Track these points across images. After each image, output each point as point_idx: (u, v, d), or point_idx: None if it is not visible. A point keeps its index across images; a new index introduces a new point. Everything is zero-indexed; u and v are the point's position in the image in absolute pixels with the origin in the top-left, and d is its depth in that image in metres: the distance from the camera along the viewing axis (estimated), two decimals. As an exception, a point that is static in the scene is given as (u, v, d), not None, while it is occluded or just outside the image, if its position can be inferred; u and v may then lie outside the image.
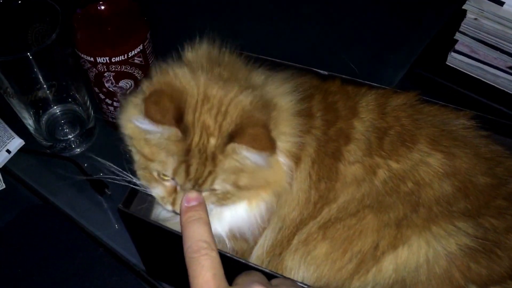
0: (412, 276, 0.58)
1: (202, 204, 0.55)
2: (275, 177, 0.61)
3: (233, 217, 0.65)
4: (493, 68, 0.96)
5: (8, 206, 0.88)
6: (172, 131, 0.55)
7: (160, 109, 0.54)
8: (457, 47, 0.99)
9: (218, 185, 0.58)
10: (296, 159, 0.62)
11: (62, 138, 0.94)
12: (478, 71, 0.98)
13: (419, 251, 0.58)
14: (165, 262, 0.75)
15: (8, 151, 0.93)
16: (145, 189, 0.64)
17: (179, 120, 0.55)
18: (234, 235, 0.65)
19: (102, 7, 0.77)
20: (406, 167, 0.61)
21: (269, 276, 0.54)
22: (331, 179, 0.62)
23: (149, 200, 0.71)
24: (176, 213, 0.60)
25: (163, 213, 0.69)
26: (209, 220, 0.54)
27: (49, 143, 0.93)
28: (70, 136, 0.94)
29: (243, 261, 0.58)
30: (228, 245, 0.65)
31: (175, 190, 0.60)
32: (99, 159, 0.70)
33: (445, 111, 0.67)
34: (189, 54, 0.63)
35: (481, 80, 0.98)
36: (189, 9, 1.22)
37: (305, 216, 0.63)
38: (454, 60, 1.00)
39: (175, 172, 0.58)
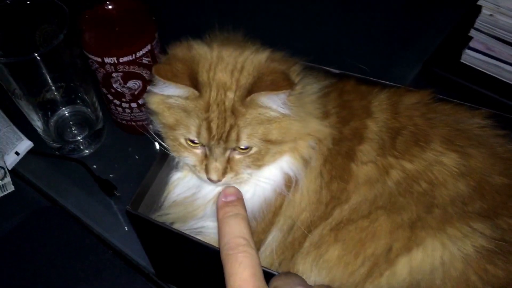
0: (427, 279, 0.56)
1: (241, 200, 0.53)
2: (313, 127, 0.60)
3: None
4: (509, 66, 0.93)
5: (17, 209, 0.88)
6: (187, 90, 0.56)
7: (171, 68, 0.55)
8: (471, 44, 0.97)
9: (246, 141, 0.57)
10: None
11: (70, 140, 0.94)
12: (493, 68, 0.96)
13: (434, 254, 0.56)
14: (174, 264, 0.74)
15: (17, 153, 0.93)
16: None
17: (193, 79, 0.56)
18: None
19: (110, 7, 0.76)
20: (420, 168, 0.60)
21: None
22: (344, 180, 0.61)
23: (157, 202, 0.70)
24: (212, 181, 0.60)
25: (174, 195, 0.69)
26: (247, 216, 0.51)
27: (57, 145, 0.93)
28: (79, 138, 0.94)
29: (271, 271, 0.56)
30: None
31: (206, 157, 0.60)
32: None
33: (459, 110, 0.65)
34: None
35: (497, 78, 0.96)
36: (198, 7, 1.22)
37: (316, 217, 0.62)
38: (469, 57, 0.98)
39: (198, 133, 0.57)
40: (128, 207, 0.61)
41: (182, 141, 0.60)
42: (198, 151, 0.61)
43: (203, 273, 0.71)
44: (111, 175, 0.91)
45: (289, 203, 0.63)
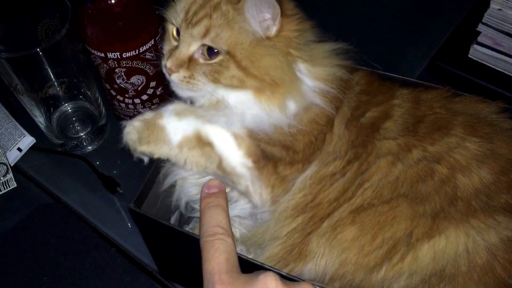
0: (451, 265, 0.54)
1: (223, 192, 0.55)
2: (283, 75, 0.59)
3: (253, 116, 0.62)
4: (518, 61, 0.92)
5: (20, 205, 0.88)
6: None
7: None
8: (479, 39, 0.95)
9: (211, 40, 0.58)
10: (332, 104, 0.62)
11: (73, 136, 0.93)
12: (502, 64, 0.95)
13: (457, 241, 0.54)
14: (177, 263, 0.74)
15: (19, 149, 0.92)
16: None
17: None
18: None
19: (112, 1, 0.75)
20: (442, 150, 0.59)
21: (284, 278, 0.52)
22: (366, 148, 0.61)
23: (161, 200, 0.69)
24: (166, 69, 0.61)
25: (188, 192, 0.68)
26: (227, 208, 0.54)
27: (60, 141, 0.92)
28: (82, 134, 0.93)
29: (257, 262, 0.55)
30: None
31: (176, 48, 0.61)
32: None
33: (477, 101, 0.65)
34: None
35: (505, 74, 0.95)
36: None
37: (341, 186, 0.61)
38: (477, 52, 0.96)
39: (178, 15, 0.61)
40: (131, 205, 0.61)
41: (172, 31, 0.63)
42: (175, 43, 0.62)
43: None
44: (114, 172, 0.90)
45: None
